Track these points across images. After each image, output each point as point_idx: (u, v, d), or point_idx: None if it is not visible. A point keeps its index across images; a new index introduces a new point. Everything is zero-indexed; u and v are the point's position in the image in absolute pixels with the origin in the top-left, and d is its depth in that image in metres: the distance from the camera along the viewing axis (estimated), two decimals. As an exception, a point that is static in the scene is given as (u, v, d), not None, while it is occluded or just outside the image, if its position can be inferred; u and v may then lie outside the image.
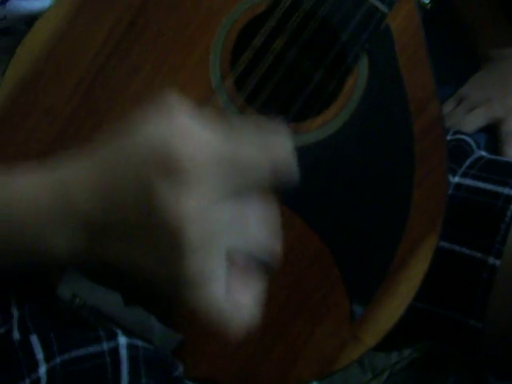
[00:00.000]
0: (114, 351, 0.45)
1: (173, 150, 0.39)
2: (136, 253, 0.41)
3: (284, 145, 0.42)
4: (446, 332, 0.62)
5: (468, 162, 0.64)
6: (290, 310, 0.52)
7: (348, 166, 0.53)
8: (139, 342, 0.47)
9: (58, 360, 0.45)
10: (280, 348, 0.52)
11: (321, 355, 0.52)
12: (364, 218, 0.53)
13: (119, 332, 0.47)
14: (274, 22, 0.51)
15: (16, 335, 0.47)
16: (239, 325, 0.42)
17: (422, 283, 0.53)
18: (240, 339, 0.42)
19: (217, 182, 0.40)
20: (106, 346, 0.46)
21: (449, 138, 0.68)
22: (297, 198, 0.51)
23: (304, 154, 0.51)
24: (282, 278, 0.50)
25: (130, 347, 0.46)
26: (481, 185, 0.61)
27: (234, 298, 0.42)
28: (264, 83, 0.51)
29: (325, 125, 0.52)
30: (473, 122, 0.77)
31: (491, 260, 0.58)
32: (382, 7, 0.51)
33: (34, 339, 0.46)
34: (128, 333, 0.47)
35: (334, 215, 0.53)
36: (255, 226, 0.42)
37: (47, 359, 0.45)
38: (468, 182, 0.62)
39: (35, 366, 0.44)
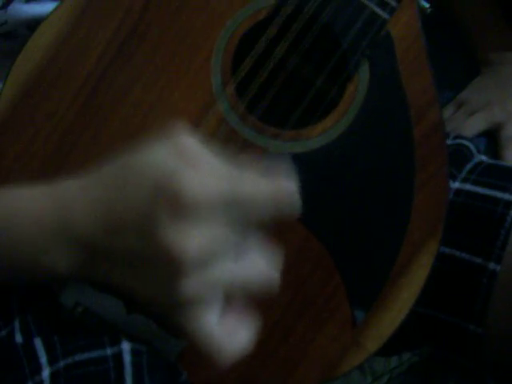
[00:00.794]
0: (118, 356, 0.45)
1: (180, 186, 0.39)
2: (131, 276, 0.41)
3: (289, 185, 0.41)
4: (446, 337, 0.62)
5: (468, 167, 0.64)
6: (291, 316, 0.52)
7: (349, 172, 0.53)
8: (143, 348, 0.47)
9: (61, 364, 0.45)
10: (281, 354, 0.52)
11: (322, 361, 0.52)
12: (365, 224, 0.53)
13: (123, 337, 0.47)
14: (276, 29, 0.51)
15: (18, 338, 0.47)
16: (229, 353, 0.42)
17: (422, 288, 0.53)
18: (230, 364, 0.42)
19: (221, 221, 0.40)
20: (109, 351, 0.46)
21: (449, 142, 0.68)
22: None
23: (305, 160, 0.52)
24: (283, 284, 0.50)
25: (134, 353, 0.46)
26: (481, 190, 0.61)
27: (227, 327, 0.41)
28: (265, 90, 0.51)
29: (326, 132, 0.52)
30: (473, 126, 0.77)
31: (491, 265, 0.58)
32: (383, 14, 0.51)
33: (38, 342, 0.46)
34: (131, 339, 0.47)
35: (335, 221, 0.53)
36: (254, 263, 0.42)
37: (51, 362, 0.45)
38: (468, 187, 0.62)
39: (38, 369, 0.44)
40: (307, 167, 0.51)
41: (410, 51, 0.53)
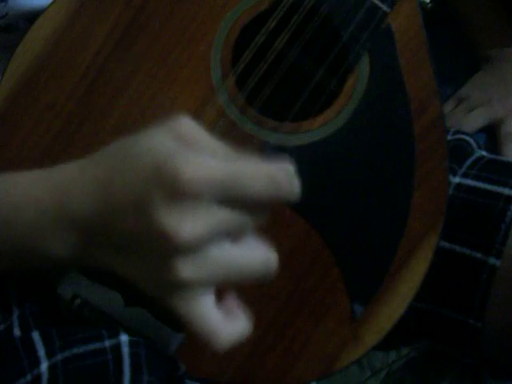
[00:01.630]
0: (116, 348, 0.45)
1: (178, 172, 0.39)
2: (129, 261, 0.41)
3: (287, 168, 0.41)
4: (446, 331, 0.62)
5: (468, 162, 0.64)
6: (290, 310, 0.52)
7: (349, 165, 0.53)
8: (141, 340, 0.47)
9: (59, 357, 0.45)
10: (280, 347, 0.52)
11: (321, 355, 0.52)
12: (365, 218, 0.53)
13: (121, 329, 0.47)
14: (276, 21, 0.51)
15: (17, 332, 0.47)
16: (225, 341, 0.41)
17: (422, 283, 0.53)
18: (226, 352, 0.42)
19: (217, 212, 0.40)
20: (107, 343, 0.46)
21: (449, 137, 0.68)
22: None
23: (304, 152, 0.51)
24: (282, 277, 0.50)
25: (132, 344, 0.46)
26: (481, 185, 0.61)
27: (224, 314, 0.41)
28: (265, 82, 0.51)
29: (326, 124, 0.52)
30: (473, 122, 0.77)
31: (491, 260, 0.58)
32: (384, 6, 0.51)
33: (36, 336, 0.46)
34: (129, 331, 0.47)
35: (334, 214, 0.53)
36: (250, 252, 0.42)
37: (49, 355, 0.45)
38: (469, 182, 0.62)
39: (37, 362, 0.44)
40: (307, 160, 0.51)
41: (411, 44, 0.53)
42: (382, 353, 0.92)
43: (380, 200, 0.53)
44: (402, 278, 0.53)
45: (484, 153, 0.67)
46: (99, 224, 0.41)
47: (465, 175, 0.63)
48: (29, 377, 0.44)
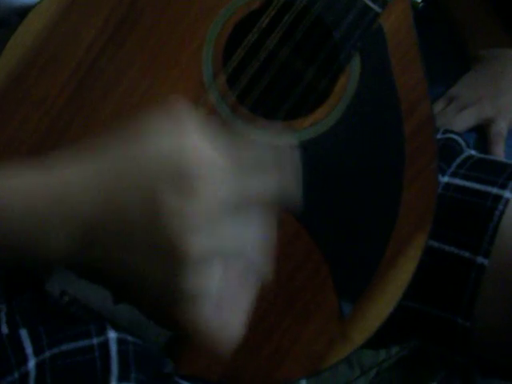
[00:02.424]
0: (104, 346, 0.45)
1: (184, 166, 0.39)
2: (133, 259, 0.41)
3: (292, 158, 0.42)
4: (434, 330, 0.62)
5: (457, 161, 0.64)
6: (278, 308, 0.52)
7: (338, 164, 0.53)
8: (129, 337, 0.47)
9: (47, 354, 0.45)
10: (269, 345, 0.52)
11: (309, 353, 0.53)
12: (354, 217, 0.53)
13: (109, 326, 0.47)
14: (268, 20, 0.51)
15: (4, 329, 0.47)
16: (222, 344, 0.42)
17: (410, 282, 0.53)
18: (225, 349, 0.42)
19: (224, 200, 0.40)
20: (95, 340, 0.46)
21: (438, 136, 0.68)
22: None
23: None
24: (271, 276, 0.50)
25: (120, 342, 0.46)
26: (470, 184, 0.61)
27: (223, 315, 0.42)
28: (256, 81, 0.51)
29: (316, 123, 0.52)
30: (463, 121, 0.77)
31: (479, 259, 0.58)
32: (375, 7, 0.51)
33: (23, 333, 0.46)
34: (118, 328, 0.47)
35: (324, 213, 0.53)
36: (253, 243, 0.42)
37: (36, 353, 0.45)
38: (457, 181, 0.62)
39: (24, 359, 0.44)
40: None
41: (402, 45, 0.53)
42: (372, 352, 0.93)
43: (369, 199, 0.53)
44: (391, 276, 0.53)
45: (473, 152, 0.67)
46: (102, 225, 0.41)
47: (453, 174, 0.63)
48: (16, 374, 0.44)
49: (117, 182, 0.41)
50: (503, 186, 0.60)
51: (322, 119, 0.52)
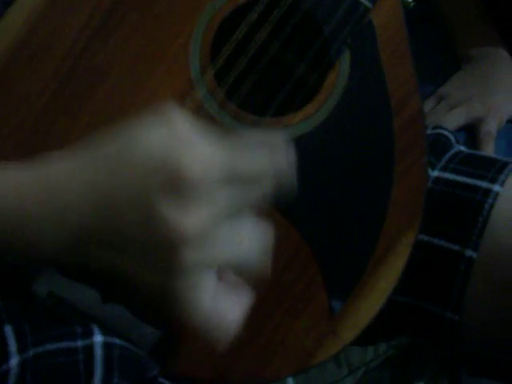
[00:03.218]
0: (89, 349, 0.45)
1: (176, 166, 0.39)
2: (125, 259, 0.41)
3: (287, 158, 0.41)
4: (423, 325, 0.62)
5: (447, 156, 0.64)
6: (268, 305, 0.52)
7: (328, 160, 0.53)
8: (116, 340, 0.46)
9: (31, 352, 0.44)
10: (258, 343, 0.52)
11: (299, 350, 0.52)
12: (343, 214, 0.53)
13: (96, 329, 0.46)
14: (257, 14, 0.50)
15: None
16: (221, 337, 0.42)
17: (399, 278, 0.53)
18: (221, 343, 0.42)
19: (219, 200, 0.40)
20: (80, 343, 0.45)
21: (428, 132, 0.68)
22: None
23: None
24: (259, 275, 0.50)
25: (106, 346, 0.45)
26: (459, 178, 0.61)
27: (219, 313, 0.41)
28: (245, 77, 0.51)
29: (305, 120, 0.52)
30: (453, 120, 0.77)
31: (468, 252, 0.58)
32: (366, 2, 0.51)
33: (8, 330, 0.45)
34: (105, 330, 0.46)
35: (313, 211, 0.52)
36: (248, 243, 0.42)
37: (20, 351, 0.44)
38: (447, 175, 0.62)
39: (7, 357, 0.44)
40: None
41: (392, 40, 0.53)
42: (360, 351, 0.93)
43: (359, 195, 0.53)
44: (380, 273, 0.53)
45: (462, 148, 0.67)
46: (95, 222, 0.40)
47: (443, 169, 0.63)
48: None
49: (107, 179, 0.40)
50: (493, 180, 0.60)
51: (312, 115, 0.52)
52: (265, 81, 0.52)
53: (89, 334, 0.46)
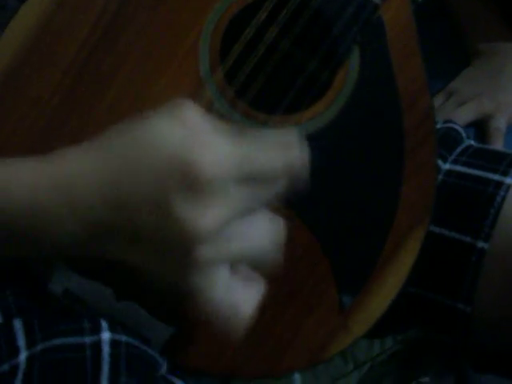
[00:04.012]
0: (96, 346, 0.45)
1: (193, 163, 0.39)
2: (139, 254, 0.41)
3: (300, 155, 0.42)
4: (435, 316, 0.62)
5: (458, 150, 0.64)
6: (279, 302, 0.52)
7: (337, 159, 0.53)
8: (123, 338, 0.46)
9: (39, 347, 0.44)
10: (270, 338, 0.52)
11: (311, 344, 0.52)
12: (353, 211, 0.53)
13: (104, 326, 0.46)
14: (266, 13, 0.51)
15: None
16: (236, 328, 0.42)
17: (410, 273, 0.53)
18: (233, 336, 0.42)
19: (234, 199, 0.40)
20: (87, 339, 0.45)
21: (439, 125, 0.68)
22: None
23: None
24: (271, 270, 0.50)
25: (113, 344, 0.45)
26: (471, 171, 0.61)
27: (233, 304, 0.42)
28: (255, 75, 0.51)
29: (315, 118, 0.52)
30: (462, 116, 0.77)
31: (480, 244, 0.58)
32: (375, -1, 0.51)
33: (17, 324, 0.45)
34: (113, 326, 0.47)
35: (323, 208, 0.53)
36: (261, 240, 0.42)
37: (28, 346, 0.44)
38: (458, 168, 0.62)
39: (16, 351, 0.44)
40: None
41: (402, 37, 0.52)
42: (366, 346, 0.93)
43: (369, 192, 0.53)
44: (391, 269, 0.53)
45: (473, 142, 0.67)
46: (109, 219, 0.41)
47: (455, 162, 0.63)
48: (6, 366, 0.44)
49: (123, 176, 0.40)
50: (504, 173, 0.60)
51: (322, 113, 0.52)
52: (275, 79, 0.52)
53: (97, 330, 0.46)
